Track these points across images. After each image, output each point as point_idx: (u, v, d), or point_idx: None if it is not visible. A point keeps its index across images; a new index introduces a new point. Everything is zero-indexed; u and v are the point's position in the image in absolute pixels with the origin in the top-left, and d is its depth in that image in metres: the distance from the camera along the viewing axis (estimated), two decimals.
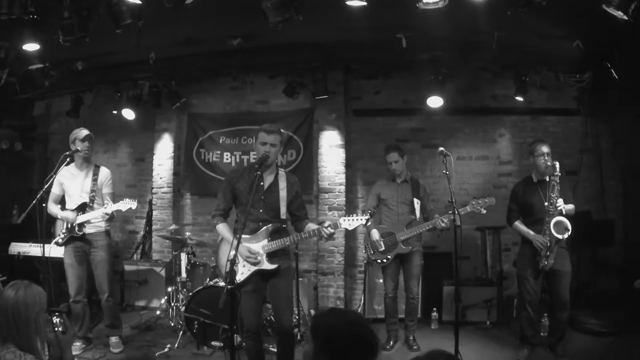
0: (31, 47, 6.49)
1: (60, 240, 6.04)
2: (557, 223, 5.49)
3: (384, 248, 6.38)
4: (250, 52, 7.71)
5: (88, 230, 6.07)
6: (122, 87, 8.93)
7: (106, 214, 5.91)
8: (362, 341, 2.42)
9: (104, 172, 6.30)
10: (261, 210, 4.86)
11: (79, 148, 6.02)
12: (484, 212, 5.91)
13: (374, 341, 2.43)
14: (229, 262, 4.07)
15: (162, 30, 6.71)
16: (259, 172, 4.67)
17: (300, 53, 7.97)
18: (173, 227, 7.93)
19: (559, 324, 5.95)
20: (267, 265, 4.83)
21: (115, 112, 8.98)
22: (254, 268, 4.79)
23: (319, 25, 6.66)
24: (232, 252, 4.13)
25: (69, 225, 6.00)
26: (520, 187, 6.12)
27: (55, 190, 6.12)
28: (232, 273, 4.00)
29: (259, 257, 4.77)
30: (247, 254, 4.74)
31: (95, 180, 6.17)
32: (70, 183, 6.14)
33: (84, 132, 6.12)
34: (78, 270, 6.06)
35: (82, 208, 6.04)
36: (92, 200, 6.09)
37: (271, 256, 4.85)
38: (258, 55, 7.98)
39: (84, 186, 6.13)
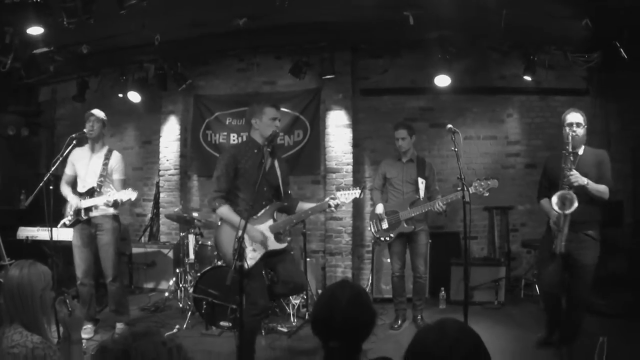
0: (35, 30, 6.45)
1: (67, 222, 6.02)
2: (562, 197, 4.95)
3: (387, 226, 6.39)
4: (256, 33, 7.65)
5: (94, 213, 6.04)
6: (128, 70, 8.93)
7: (108, 201, 5.81)
8: (325, 322, 2.46)
9: (116, 157, 6.22)
10: (265, 189, 4.84)
11: (84, 130, 6.02)
12: (487, 194, 5.78)
13: (333, 322, 2.44)
14: (236, 241, 4.03)
15: (167, 12, 6.68)
16: (268, 150, 4.65)
17: (306, 33, 7.90)
18: (178, 209, 7.91)
19: (569, 321, 5.34)
20: (275, 245, 4.82)
21: (121, 95, 8.98)
22: (263, 251, 4.77)
23: (326, 4, 6.60)
24: (240, 232, 4.08)
25: (76, 208, 5.99)
26: (551, 159, 5.50)
27: (67, 171, 6.16)
28: (240, 253, 3.97)
29: (268, 241, 4.77)
30: (261, 237, 4.70)
31: (105, 164, 6.11)
32: (79, 163, 6.14)
33: (89, 111, 6.15)
34: (84, 252, 6.05)
35: (90, 192, 6.01)
36: (100, 185, 6.03)
37: (277, 235, 4.85)
38: (264, 35, 7.92)
39: (94, 168, 6.10)
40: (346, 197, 4.87)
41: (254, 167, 4.76)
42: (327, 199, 4.87)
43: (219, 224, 4.94)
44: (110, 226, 6.16)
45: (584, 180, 4.97)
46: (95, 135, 6.14)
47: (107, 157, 6.17)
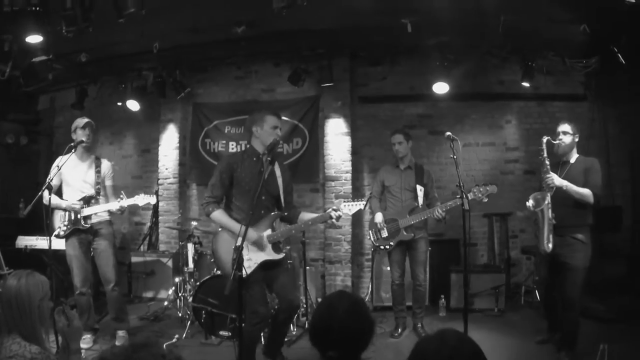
0: (34, 39, 6.46)
1: (62, 233, 5.95)
2: (534, 197, 5.38)
3: (387, 234, 6.37)
4: (254, 40, 7.67)
5: (94, 220, 6.03)
6: (127, 78, 8.94)
7: (122, 207, 5.88)
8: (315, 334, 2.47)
9: (106, 165, 6.27)
10: (263, 198, 4.81)
11: (82, 139, 5.97)
12: (486, 200, 5.77)
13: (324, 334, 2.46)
14: (234, 250, 4.00)
15: (165, 19, 6.68)
16: (269, 158, 4.65)
17: (304, 40, 7.91)
18: (177, 218, 7.86)
19: (564, 323, 5.45)
20: (272, 255, 4.79)
21: (120, 103, 8.99)
22: (259, 260, 4.74)
23: (324, 11, 6.59)
24: (240, 239, 4.05)
25: (73, 217, 5.94)
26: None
27: (53, 181, 5.92)
28: (239, 259, 3.94)
29: (264, 244, 4.75)
30: (256, 236, 4.68)
31: (98, 172, 6.14)
32: (70, 172, 6.05)
33: (84, 120, 6.09)
34: (82, 261, 6.01)
35: (87, 200, 6.00)
36: (97, 192, 6.07)
37: (275, 245, 4.83)
38: (262, 43, 7.94)
39: (86, 177, 6.09)
40: (349, 208, 4.84)
41: (251, 176, 4.77)
42: (329, 210, 4.83)
43: (219, 230, 4.92)
44: (108, 231, 6.22)
45: (560, 182, 5.22)
46: (91, 143, 6.16)
47: (98, 164, 6.19)
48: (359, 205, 4.84)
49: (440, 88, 7.88)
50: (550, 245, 5.21)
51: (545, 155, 5.39)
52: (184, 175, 9.44)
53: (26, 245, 7.62)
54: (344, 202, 4.90)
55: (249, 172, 4.80)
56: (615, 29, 6.76)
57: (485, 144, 8.80)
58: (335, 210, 4.76)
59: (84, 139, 6.00)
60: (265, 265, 4.79)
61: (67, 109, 9.62)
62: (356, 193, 8.68)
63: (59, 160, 5.90)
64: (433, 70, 7.90)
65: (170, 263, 8.43)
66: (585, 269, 5.26)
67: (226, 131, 9.13)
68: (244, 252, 4.44)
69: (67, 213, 5.98)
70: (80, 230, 5.97)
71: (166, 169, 9.37)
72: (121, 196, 5.92)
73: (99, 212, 6.00)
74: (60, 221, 6.00)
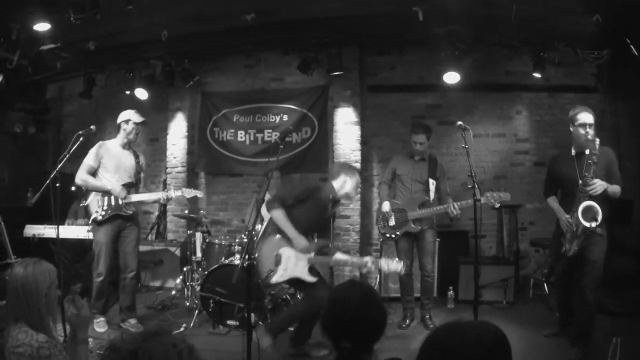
0: (42, 26, 6.45)
1: (99, 217, 5.98)
2: (586, 209, 4.84)
3: (394, 223, 6.34)
4: (263, 29, 7.62)
5: (133, 208, 6.21)
6: (135, 67, 8.94)
7: (169, 197, 6.19)
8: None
9: (143, 158, 6.48)
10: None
11: (135, 132, 6.25)
12: (497, 206, 5.78)
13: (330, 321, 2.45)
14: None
15: (173, 7, 6.66)
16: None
17: (314, 28, 7.84)
18: (184, 207, 7.85)
19: (580, 319, 5.29)
20: (305, 277, 5.00)
21: (128, 92, 8.97)
22: (292, 275, 4.99)
23: None
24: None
25: (114, 203, 6.00)
26: (556, 158, 5.56)
27: (91, 162, 6.03)
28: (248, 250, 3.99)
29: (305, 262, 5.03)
30: (304, 244, 5.03)
31: (137, 162, 6.31)
32: (114, 159, 6.14)
33: (141, 117, 6.30)
34: (111, 248, 6.09)
35: (128, 188, 6.14)
36: (138, 181, 6.30)
37: (312, 268, 5.05)
38: (271, 31, 7.88)
39: (127, 166, 6.21)
40: (388, 264, 4.82)
41: (318, 210, 5.28)
42: (365, 259, 4.96)
43: (268, 234, 5.23)
44: (138, 219, 6.41)
45: (605, 186, 4.91)
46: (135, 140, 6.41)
47: (137, 156, 6.36)
48: (397, 265, 4.80)
49: (451, 78, 7.79)
50: (576, 248, 5.07)
51: (595, 160, 4.91)
52: (192, 164, 9.44)
53: (34, 234, 7.60)
54: (385, 258, 5.00)
55: (317, 208, 5.26)
56: (628, 21, 6.66)
57: (495, 135, 8.73)
58: (369, 261, 4.92)
59: (135, 132, 6.25)
60: (292, 281, 5.08)
61: (75, 97, 9.64)
62: (365, 183, 8.65)
63: (105, 145, 6.16)
64: (442, 60, 7.81)
65: (178, 252, 8.42)
66: (602, 260, 5.20)
67: (235, 120, 9.12)
68: (283, 260, 4.92)
69: (106, 198, 6.03)
70: (119, 217, 6.07)
71: (174, 157, 9.37)
72: (170, 187, 6.06)
73: (144, 200, 6.36)
74: (98, 205, 6.02)
